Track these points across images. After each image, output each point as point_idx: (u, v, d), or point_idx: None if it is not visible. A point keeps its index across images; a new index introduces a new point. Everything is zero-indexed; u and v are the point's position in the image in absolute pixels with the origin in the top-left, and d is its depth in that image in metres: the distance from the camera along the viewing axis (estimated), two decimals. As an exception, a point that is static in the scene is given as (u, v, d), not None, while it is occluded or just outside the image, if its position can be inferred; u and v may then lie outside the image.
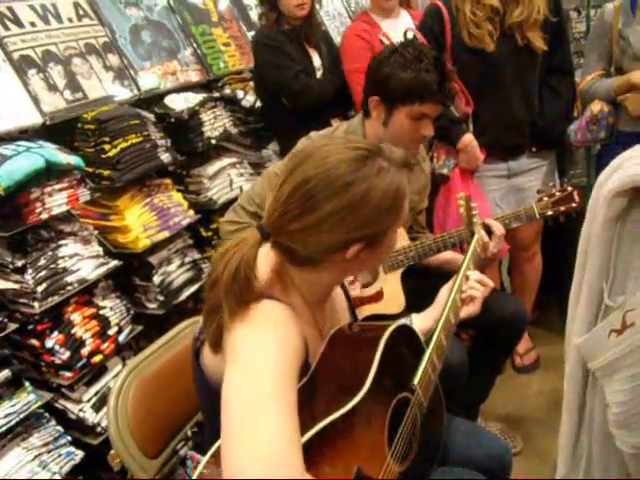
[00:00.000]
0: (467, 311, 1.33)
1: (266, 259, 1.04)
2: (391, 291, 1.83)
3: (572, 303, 0.53)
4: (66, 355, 1.81)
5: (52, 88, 1.96)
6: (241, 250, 0.95)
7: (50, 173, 1.75)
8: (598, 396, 0.51)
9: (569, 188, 1.91)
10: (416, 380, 1.12)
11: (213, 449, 0.93)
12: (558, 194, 1.91)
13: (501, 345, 1.97)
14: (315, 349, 1.07)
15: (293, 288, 1.04)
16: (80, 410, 1.89)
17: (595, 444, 0.52)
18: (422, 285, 1.92)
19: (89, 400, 1.91)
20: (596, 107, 2.22)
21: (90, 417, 1.89)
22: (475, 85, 2.27)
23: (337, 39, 3.07)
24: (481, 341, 1.99)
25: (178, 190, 2.37)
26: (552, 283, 2.68)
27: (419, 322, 1.38)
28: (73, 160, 1.81)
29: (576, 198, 1.90)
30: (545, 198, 1.91)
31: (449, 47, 2.24)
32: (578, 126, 2.29)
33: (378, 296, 1.81)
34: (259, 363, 0.85)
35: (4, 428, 1.61)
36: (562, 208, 1.90)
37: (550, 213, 1.91)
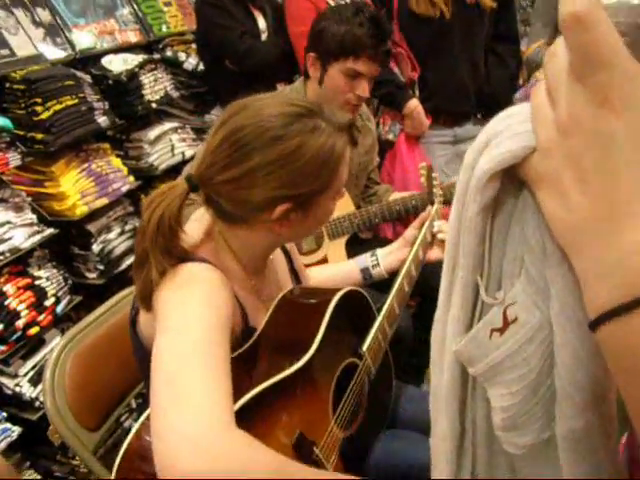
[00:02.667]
0: (437, 255, 1.39)
1: (201, 220, 1.01)
2: (335, 258, 1.81)
3: (443, 303, 0.49)
4: (-1, 328, 1.73)
5: (-26, 43, 1.84)
6: (167, 199, 0.90)
7: (-25, 136, 1.65)
8: (479, 401, 0.48)
9: None
10: (365, 346, 1.10)
11: (145, 415, 0.91)
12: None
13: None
14: (255, 313, 1.04)
15: (226, 249, 1.01)
16: (16, 385, 1.82)
17: (480, 448, 0.49)
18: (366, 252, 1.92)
19: (26, 374, 1.85)
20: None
21: (27, 392, 1.83)
22: (422, 50, 2.25)
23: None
24: (428, 307, 2.01)
25: (117, 155, 2.29)
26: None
27: (384, 259, 1.40)
28: (1, 122, 1.70)
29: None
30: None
31: (396, 12, 2.21)
32: (524, 94, 2.32)
33: (322, 262, 1.79)
34: (186, 326, 0.82)
35: None
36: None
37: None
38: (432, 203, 1.61)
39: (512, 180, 0.39)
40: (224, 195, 0.95)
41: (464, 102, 2.34)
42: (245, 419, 0.81)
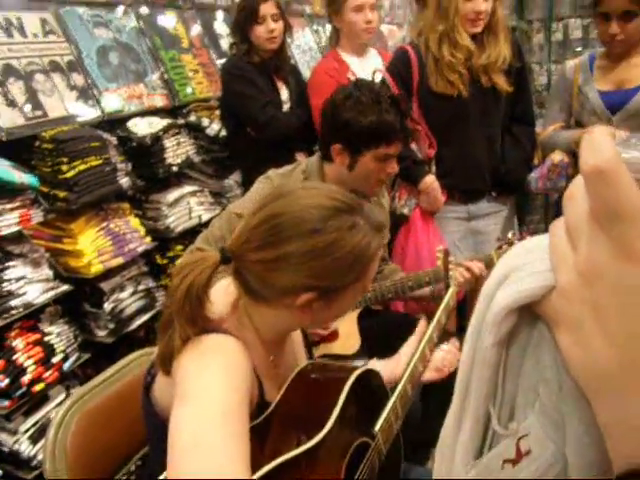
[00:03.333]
0: (430, 377, 1.33)
1: (226, 291, 1.02)
2: (346, 331, 1.80)
3: (451, 433, 0.48)
4: (4, 382, 1.72)
5: (11, 103, 1.90)
6: (198, 268, 0.92)
7: (1, 191, 1.69)
8: None
9: (528, 237, 1.93)
10: (377, 427, 1.09)
11: None
12: (517, 242, 1.93)
13: (454, 388, 1.95)
14: (271, 388, 1.04)
15: (249, 324, 1.02)
16: (15, 442, 1.79)
17: None
18: (378, 327, 1.91)
19: (26, 431, 1.82)
20: (557, 157, 2.28)
21: (26, 450, 1.79)
22: (440, 128, 2.30)
23: (306, 73, 3.09)
24: (434, 385, 1.98)
25: (136, 215, 2.32)
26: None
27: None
28: (27, 179, 1.75)
29: (533, 248, 1.92)
30: (504, 246, 1.93)
31: (415, 90, 2.27)
32: (539, 174, 2.35)
33: (333, 335, 1.78)
34: (207, 398, 0.83)
35: None
36: (520, 257, 1.92)
37: (508, 261, 1.92)
38: (448, 286, 1.61)
39: (528, 312, 0.38)
40: (253, 273, 0.97)
41: (479, 180, 2.38)
42: None
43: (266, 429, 0.97)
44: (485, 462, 0.43)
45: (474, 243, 2.46)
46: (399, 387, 1.18)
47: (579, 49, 3.28)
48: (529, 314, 0.39)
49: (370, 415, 1.12)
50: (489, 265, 1.91)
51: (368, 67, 2.61)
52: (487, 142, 2.35)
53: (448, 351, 1.35)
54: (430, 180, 2.29)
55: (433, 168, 2.35)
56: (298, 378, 1.08)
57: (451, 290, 1.52)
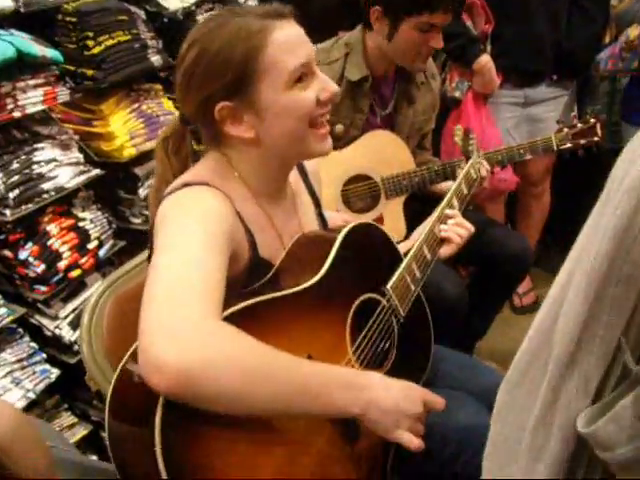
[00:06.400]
0: (444, 252, 1.28)
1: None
2: (392, 217, 1.75)
3: (557, 369, 0.37)
4: (41, 268, 1.70)
5: (28, -29, 1.75)
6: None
7: (22, 66, 1.59)
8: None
9: (592, 120, 1.76)
10: (389, 284, 1.09)
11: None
12: (580, 125, 1.77)
13: (503, 282, 1.89)
14: (267, 243, 1.03)
15: (229, 170, 1.03)
16: (56, 327, 1.80)
17: None
18: (424, 213, 1.81)
19: (66, 317, 1.82)
20: (634, 32, 2.04)
21: (67, 335, 1.80)
22: (498, 1, 2.08)
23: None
24: (482, 277, 1.91)
25: (169, 98, 2.20)
26: (558, 224, 2.57)
27: None
28: (50, 53, 1.63)
29: (598, 132, 1.76)
30: (565, 129, 1.78)
31: (473, -44, 2.05)
32: (610, 53, 2.12)
33: (378, 222, 1.72)
34: (183, 245, 0.86)
35: (-27, 342, 1.53)
36: (582, 141, 1.76)
37: (569, 145, 1.77)
38: (468, 158, 1.56)
39: None
40: (182, 103, 1.03)
41: (539, 60, 2.18)
42: (249, 323, 0.82)
43: (271, 289, 0.96)
44: (619, 411, 0.34)
45: (529, 132, 2.30)
46: (414, 247, 1.18)
47: None
48: None
49: (382, 274, 1.11)
50: (548, 150, 1.76)
51: None
52: (551, 17, 2.13)
53: (454, 223, 1.30)
54: (485, 60, 2.12)
55: (489, 47, 2.16)
56: (301, 239, 1.08)
57: (471, 160, 1.48)
